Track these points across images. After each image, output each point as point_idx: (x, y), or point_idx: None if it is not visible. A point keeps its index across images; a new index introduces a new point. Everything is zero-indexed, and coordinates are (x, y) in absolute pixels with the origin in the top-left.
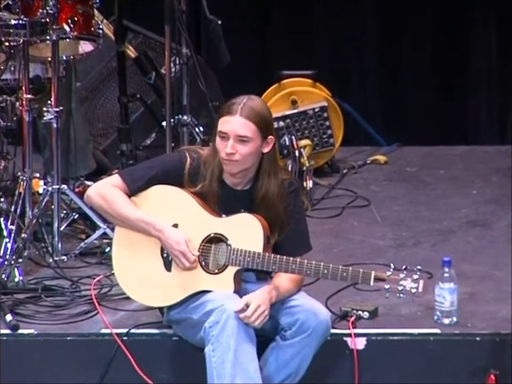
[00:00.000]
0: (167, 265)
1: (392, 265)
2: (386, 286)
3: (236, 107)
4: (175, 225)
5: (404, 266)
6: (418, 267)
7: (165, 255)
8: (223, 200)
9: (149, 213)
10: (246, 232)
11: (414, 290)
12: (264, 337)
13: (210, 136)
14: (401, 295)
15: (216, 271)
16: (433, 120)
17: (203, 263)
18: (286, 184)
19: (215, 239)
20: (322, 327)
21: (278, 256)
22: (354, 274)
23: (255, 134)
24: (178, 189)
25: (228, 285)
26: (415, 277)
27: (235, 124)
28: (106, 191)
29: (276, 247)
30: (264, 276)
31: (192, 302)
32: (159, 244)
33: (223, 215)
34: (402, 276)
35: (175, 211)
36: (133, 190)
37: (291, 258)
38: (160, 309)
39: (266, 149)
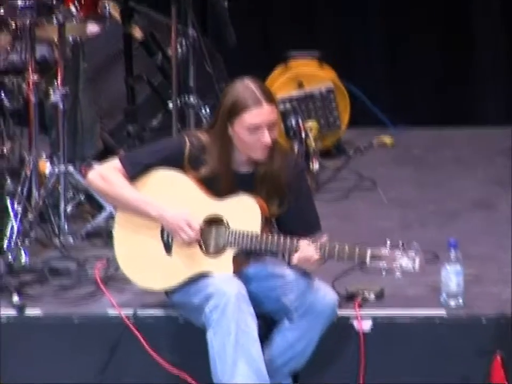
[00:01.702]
0: (167, 248)
1: (388, 242)
2: (383, 264)
3: (255, 97)
4: None
5: (400, 243)
6: (415, 243)
7: (165, 238)
8: (228, 183)
9: (149, 196)
10: (244, 213)
11: (410, 268)
12: (270, 319)
13: (214, 122)
14: (398, 273)
15: (216, 253)
16: (439, 102)
17: (203, 246)
18: (293, 163)
19: (215, 222)
20: (328, 310)
21: (276, 236)
22: (351, 252)
23: (278, 114)
24: (178, 173)
25: (227, 266)
26: (412, 254)
27: (267, 114)
28: (107, 173)
29: (285, 228)
30: (261, 256)
31: (192, 286)
32: (159, 227)
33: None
34: (398, 253)
35: (174, 194)
36: (132, 175)
37: (288, 239)
38: (165, 291)
39: None
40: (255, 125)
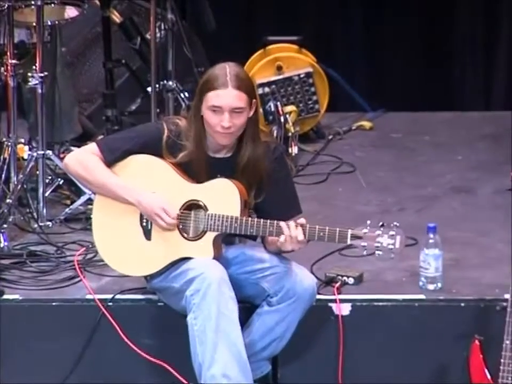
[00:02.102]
0: (147, 234)
1: (368, 222)
2: (363, 244)
3: (224, 79)
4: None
5: (380, 223)
6: (395, 223)
7: (144, 223)
8: (205, 169)
9: (127, 181)
10: (222, 197)
11: (391, 247)
12: (250, 304)
13: (189, 105)
14: (378, 252)
15: (196, 237)
16: (419, 86)
17: (182, 230)
18: (272, 149)
19: (194, 206)
20: (307, 294)
21: (256, 219)
22: (331, 233)
23: (247, 103)
24: (156, 158)
25: (207, 251)
26: (392, 233)
27: (229, 97)
28: (84, 158)
29: (265, 215)
30: (231, 239)
31: (173, 271)
32: (138, 212)
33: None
34: (378, 232)
35: (152, 179)
36: (109, 161)
37: (268, 221)
38: (145, 276)
39: (251, 113)
40: (216, 106)
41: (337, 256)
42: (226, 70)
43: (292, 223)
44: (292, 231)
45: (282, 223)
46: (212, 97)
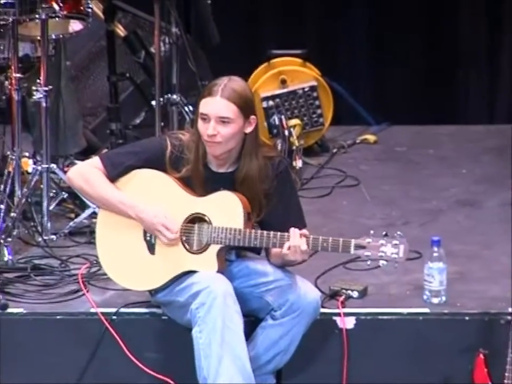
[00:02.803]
0: (151, 248)
1: (372, 232)
2: (367, 253)
3: (216, 88)
4: None
5: (383, 233)
6: (399, 233)
7: (147, 238)
8: (207, 183)
9: (130, 196)
10: (226, 209)
11: (394, 256)
12: (254, 317)
13: (194, 119)
14: (382, 261)
15: (199, 250)
16: (423, 99)
17: (186, 244)
18: (276, 163)
19: (197, 219)
20: (312, 307)
21: (259, 231)
22: (335, 243)
23: (236, 115)
24: (159, 172)
25: (211, 264)
26: (395, 242)
27: (216, 105)
28: (88, 172)
29: (269, 227)
30: (243, 253)
31: (177, 285)
32: (141, 226)
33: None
34: (382, 242)
35: (155, 194)
36: (112, 176)
37: (272, 232)
38: (149, 290)
39: (249, 129)
40: (204, 114)
41: (341, 269)
42: (224, 81)
43: (296, 231)
44: (295, 240)
45: (286, 235)
46: (201, 105)
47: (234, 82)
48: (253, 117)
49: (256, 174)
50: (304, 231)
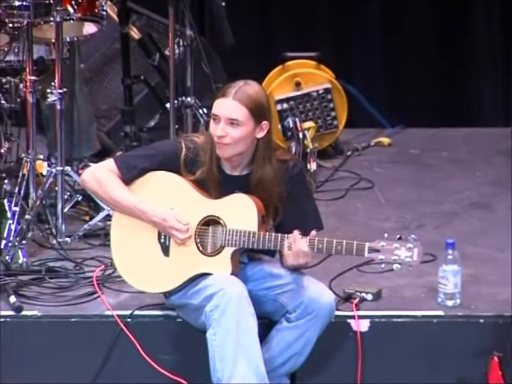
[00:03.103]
0: (165, 250)
1: (385, 235)
2: (381, 257)
3: (230, 90)
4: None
5: (397, 236)
6: (413, 236)
7: (162, 240)
8: (222, 186)
9: (145, 198)
10: (240, 212)
11: (409, 259)
12: (268, 319)
13: (208, 121)
14: (396, 265)
15: (214, 253)
16: (437, 102)
17: (200, 246)
18: (290, 167)
19: (211, 221)
20: (326, 310)
21: (273, 233)
22: (349, 246)
23: (246, 118)
24: (173, 175)
25: (225, 266)
26: (409, 245)
27: (227, 106)
28: (101, 175)
29: (285, 230)
30: (258, 256)
31: (191, 287)
32: (156, 229)
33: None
34: (396, 245)
35: (170, 196)
36: (126, 178)
37: (286, 234)
38: (164, 292)
39: (260, 134)
40: (214, 115)
41: (355, 272)
42: (239, 84)
43: (295, 234)
44: (299, 244)
45: (292, 237)
46: (214, 106)
47: (249, 86)
48: (265, 122)
49: (270, 178)
50: (313, 232)
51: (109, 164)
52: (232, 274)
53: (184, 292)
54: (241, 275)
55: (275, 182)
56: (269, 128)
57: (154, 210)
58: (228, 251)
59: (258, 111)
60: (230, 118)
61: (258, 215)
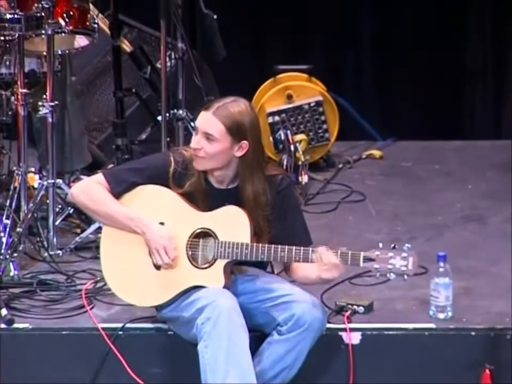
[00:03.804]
0: (156, 264)
1: (380, 245)
2: (376, 266)
3: (214, 105)
4: (161, 223)
5: (392, 245)
6: (407, 245)
7: None
8: (209, 199)
9: (135, 211)
10: (232, 224)
11: (404, 268)
12: (260, 332)
13: None
14: (391, 274)
15: (206, 265)
16: (429, 115)
17: (192, 259)
18: (278, 181)
19: (203, 234)
20: (318, 323)
21: (266, 245)
22: (344, 256)
23: (221, 135)
24: (163, 188)
25: (218, 279)
26: (404, 255)
27: (205, 120)
28: (90, 188)
29: (275, 244)
30: (243, 268)
31: (183, 300)
32: None
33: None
34: (391, 254)
35: (160, 209)
36: (116, 192)
37: (279, 246)
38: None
39: (239, 153)
40: (195, 126)
41: (347, 285)
42: (225, 100)
43: (323, 248)
44: (333, 258)
45: (294, 248)
46: (197, 117)
47: (234, 104)
48: (244, 142)
49: (257, 193)
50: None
51: (98, 178)
52: (224, 287)
53: (175, 305)
54: (233, 288)
55: (258, 205)
56: (249, 149)
57: (151, 222)
58: (220, 263)
59: (237, 130)
60: (205, 132)
61: (251, 227)
